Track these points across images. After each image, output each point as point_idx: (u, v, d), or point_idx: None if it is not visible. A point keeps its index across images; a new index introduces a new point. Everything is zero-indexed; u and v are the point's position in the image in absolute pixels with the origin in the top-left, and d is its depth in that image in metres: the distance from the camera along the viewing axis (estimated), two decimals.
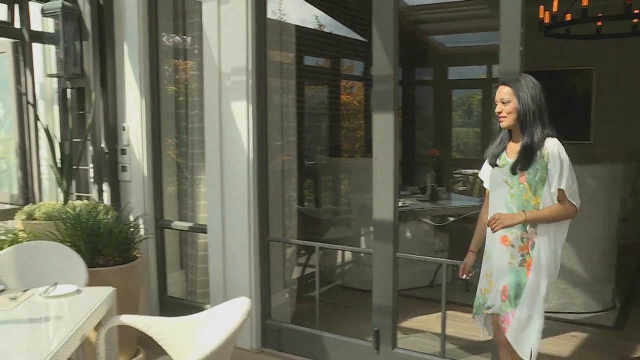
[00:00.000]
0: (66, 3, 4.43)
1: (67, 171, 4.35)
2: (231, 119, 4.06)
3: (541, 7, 6.07)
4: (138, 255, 4.12)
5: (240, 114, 4.02)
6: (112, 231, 3.87)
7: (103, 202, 4.58)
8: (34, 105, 4.65)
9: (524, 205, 2.76)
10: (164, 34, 4.72)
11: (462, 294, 5.00)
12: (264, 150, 4.12)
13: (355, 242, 5.67)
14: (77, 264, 3.47)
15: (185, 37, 4.81)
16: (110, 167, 4.67)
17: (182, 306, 4.56)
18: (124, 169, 4.68)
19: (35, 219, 4.13)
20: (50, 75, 4.82)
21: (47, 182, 4.99)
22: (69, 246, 3.65)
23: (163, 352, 2.72)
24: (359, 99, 9.20)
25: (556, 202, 2.71)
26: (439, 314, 3.71)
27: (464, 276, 3.09)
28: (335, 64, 8.39)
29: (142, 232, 4.34)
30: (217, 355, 2.12)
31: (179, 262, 5.11)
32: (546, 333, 4.30)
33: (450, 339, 4.10)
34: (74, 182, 4.61)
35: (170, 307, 4.65)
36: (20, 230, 4.06)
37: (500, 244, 2.84)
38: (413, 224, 5.50)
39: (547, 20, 6.02)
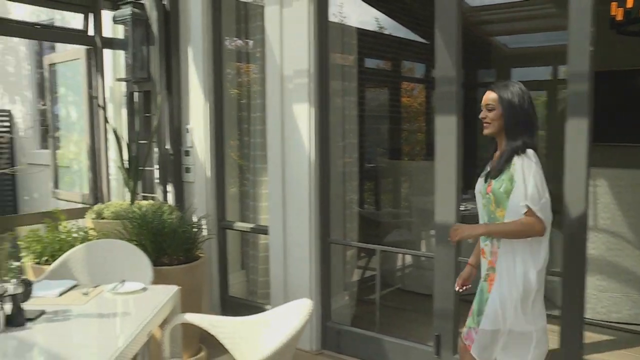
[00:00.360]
0: (135, 10, 4.57)
1: (134, 172, 4.49)
2: (293, 121, 4.09)
3: (613, 3, 5.86)
4: (201, 255, 4.20)
5: (302, 116, 4.05)
6: (176, 231, 3.96)
7: (167, 203, 4.69)
8: (104, 108, 4.81)
9: (490, 217, 2.67)
10: (227, 37, 4.80)
11: None
12: (326, 152, 4.13)
13: (415, 245, 5.61)
14: (143, 262, 3.56)
15: (247, 40, 4.89)
16: (175, 168, 4.79)
17: (243, 306, 4.62)
18: (187, 170, 4.78)
19: (104, 218, 4.27)
20: (119, 80, 4.98)
21: (115, 182, 5.16)
22: (135, 245, 3.75)
23: (224, 351, 2.76)
24: (419, 101, 9.12)
25: (522, 216, 2.53)
26: None
27: (458, 289, 2.95)
28: (395, 66, 8.34)
29: (205, 232, 4.43)
30: (279, 356, 2.14)
31: (240, 262, 5.18)
32: (618, 345, 4.15)
33: None
34: (140, 183, 4.74)
35: (232, 306, 4.72)
36: (91, 229, 4.21)
37: (482, 257, 2.76)
38: None
39: (620, 17, 5.80)
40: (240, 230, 4.83)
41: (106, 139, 4.89)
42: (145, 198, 4.85)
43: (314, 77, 4.00)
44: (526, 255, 2.59)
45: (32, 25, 5.28)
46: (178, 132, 4.77)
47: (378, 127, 8.21)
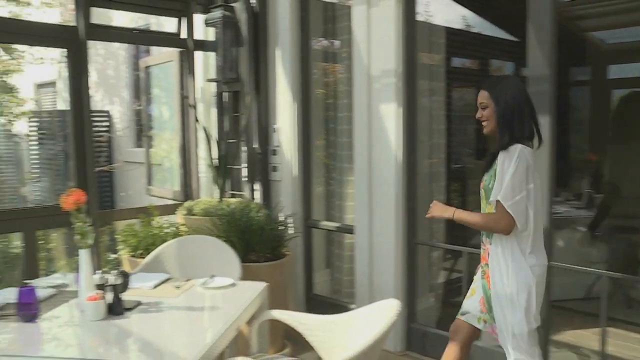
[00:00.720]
0: (226, 13, 4.70)
1: (223, 170, 4.61)
2: (380, 121, 4.08)
3: None
4: (287, 252, 4.26)
5: (389, 116, 4.02)
6: (263, 229, 4.03)
7: (255, 201, 4.79)
8: (195, 108, 4.97)
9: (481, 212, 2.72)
10: (313, 38, 4.84)
11: (623, 310, 4.63)
12: (413, 152, 4.09)
13: None
14: (231, 258, 3.64)
15: (334, 40, 4.91)
16: (262, 167, 4.88)
17: (327, 304, 4.65)
18: (274, 169, 4.86)
19: (194, 215, 4.41)
20: (210, 80, 5.13)
21: (204, 180, 5.31)
22: (224, 241, 3.86)
23: (308, 348, 2.79)
24: None
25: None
26: (596, 329, 3.47)
27: None
28: (483, 65, 8.15)
29: (291, 230, 4.49)
30: (365, 355, 2.13)
31: (325, 260, 5.21)
32: None
33: (611, 358, 3.80)
34: (228, 181, 4.87)
35: (316, 304, 4.77)
36: (182, 225, 4.36)
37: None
38: (567, 232, 5.20)
39: None
40: (326, 229, 4.86)
41: (196, 138, 5.05)
42: (233, 196, 4.98)
43: (401, 77, 3.97)
44: (515, 252, 2.59)
45: (131, 30, 5.53)
46: (266, 132, 4.86)
47: (465, 127, 8.05)
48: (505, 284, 2.60)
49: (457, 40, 6.97)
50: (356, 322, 2.59)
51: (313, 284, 4.93)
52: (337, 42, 4.84)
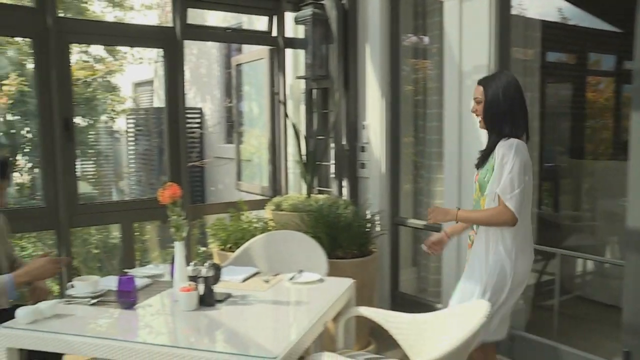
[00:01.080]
0: (316, 11, 4.74)
1: (311, 166, 4.66)
2: (471, 118, 3.98)
3: None
4: (374, 250, 4.25)
5: None
6: (351, 225, 4.04)
7: (342, 197, 4.81)
8: (285, 105, 5.05)
9: (474, 205, 2.77)
10: (403, 34, 4.80)
11: None
12: None
13: (597, 251, 5.22)
14: (318, 254, 3.67)
15: (424, 36, 4.85)
16: (350, 163, 4.89)
17: (413, 303, 4.61)
18: (362, 166, 4.86)
19: (282, 210, 4.48)
20: (299, 77, 5.19)
21: (292, 176, 5.39)
22: (311, 237, 3.89)
23: (393, 346, 2.77)
24: (606, 96, 8.45)
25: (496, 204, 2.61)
26: None
27: (425, 249, 3.14)
28: (580, 59, 7.80)
29: (378, 227, 4.47)
30: (454, 356, 2.10)
31: (412, 259, 5.17)
32: None
33: None
34: (316, 177, 4.91)
35: (401, 302, 4.73)
36: (270, 220, 4.43)
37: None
38: None
39: None
40: (413, 227, 4.82)
41: (285, 134, 5.13)
42: (320, 192, 5.02)
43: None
44: (499, 245, 2.68)
45: (224, 29, 5.69)
46: (354, 128, 4.86)
47: (559, 124, 7.74)
48: (484, 273, 2.71)
49: (553, 33, 6.69)
50: (444, 322, 2.55)
51: (399, 282, 4.89)
52: (427, 38, 4.78)
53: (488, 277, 2.70)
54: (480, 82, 2.80)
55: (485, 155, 2.74)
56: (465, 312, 2.48)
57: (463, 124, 4.04)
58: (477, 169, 2.81)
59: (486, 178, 2.70)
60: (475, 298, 2.69)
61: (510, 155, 2.58)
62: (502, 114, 2.68)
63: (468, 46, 3.97)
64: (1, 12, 4.02)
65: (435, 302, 4.49)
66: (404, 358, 2.70)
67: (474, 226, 2.82)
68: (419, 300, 4.72)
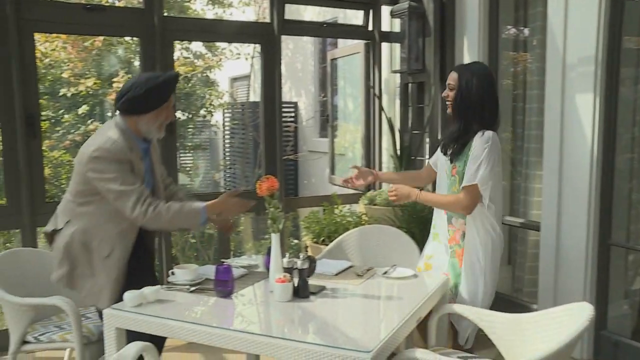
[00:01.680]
0: (412, 3, 4.68)
1: (406, 161, 4.62)
2: (574, 112, 3.82)
3: None
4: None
5: (585, 107, 3.75)
6: None
7: None
8: (380, 98, 5.03)
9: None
10: (503, 26, 4.66)
11: None
12: (612, 147, 3.76)
13: None
14: (411, 249, 3.64)
15: (524, 28, 4.69)
16: None
17: (507, 302, 4.48)
18: None
19: (375, 205, 4.47)
20: (395, 72, 5.16)
21: (386, 170, 5.37)
22: (404, 232, 3.87)
23: (485, 345, 2.71)
24: None
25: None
26: None
27: (347, 180, 3.22)
28: None
29: None
30: (554, 359, 2.02)
31: (507, 257, 5.02)
32: None
33: None
34: None
35: (495, 301, 4.59)
36: (363, 214, 4.44)
37: (436, 240, 3.12)
38: None
39: None
40: (509, 225, 4.68)
41: (380, 129, 5.11)
42: (414, 187, 4.96)
43: (601, 64, 3.67)
44: (490, 232, 2.92)
45: (321, 24, 5.74)
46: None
47: None
48: (481, 260, 2.93)
49: None
50: (543, 324, 2.46)
51: None
52: (527, 30, 4.62)
53: (485, 257, 2.96)
54: (455, 69, 2.88)
55: (460, 147, 2.84)
56: (566, 313, 2.39)
57: (565, 119, 3.87)
58: (453, 161, 2.89)
59: (465, 169, 2.82)
60: (482, 282, 2.97)
61: (486, 147, 2.74)
62: (472, 103, 2.79)
63: (573, 37, 3.79)
64: (114, 14, 4.26)
65: (531, 302, 4.34)
66: (497, 358, 2.63)
67: (461, 217, 2.95)
68: (513, 300, 4.59)
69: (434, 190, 3.24)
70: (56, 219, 2.96)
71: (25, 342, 3.02)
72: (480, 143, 2.75)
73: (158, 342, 2.90)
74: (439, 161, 3.08)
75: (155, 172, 3.07)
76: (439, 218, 3.10)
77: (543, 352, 2.02)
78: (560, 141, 3.90)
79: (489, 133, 2.76)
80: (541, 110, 4.17)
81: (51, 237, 2.96)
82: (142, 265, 3.00)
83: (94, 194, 2.81)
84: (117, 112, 2.90)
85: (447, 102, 2.91)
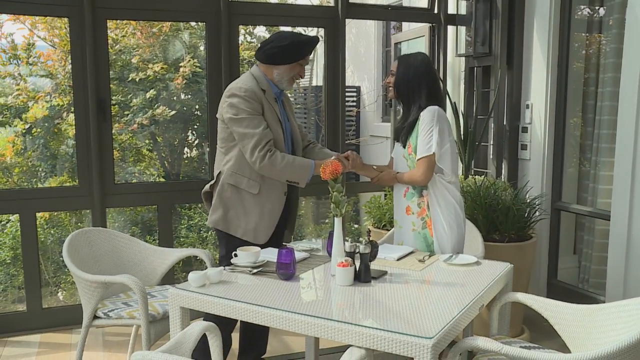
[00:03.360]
0: None
1: (470, 146, 4.54)
2: None
3: None
4: (533, 235, 4.07)
5: None
6: (510, 208, 3.90)
7: (501, 179, 4.65)
8: (444, 82, 4.95)
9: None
10: (576, 7, 4.49)
11: None
12: None
13: None
14: (475, 236, 3.60)
15: (600, 7, 4.50)
16: (510, 144, 4.71)
17: (572, 293, 4.37)
18: (523, 147, 4.66)
19: None
20: (460, 55, 5.06)
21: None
22: (467, 218, 3.81)
23: (547, 336, 2.65)
24: None
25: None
26: None
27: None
28: None
29: (537, 212, 4.27)
30: (624, 354, 1.95)
31: (572, 246, 4.89)
32: None
33: None
34: (474, 158, 4.78)
35: (558, 291, 4.50)
36: None
37: (405, 214, 3.16)
38: None
39: None
40: (576, 213, 4.55)
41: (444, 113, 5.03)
42: (477, 173, 4.88)
43: None
44: (452, 204, 3.06)
45: (386, 7, 5.68)
46: (516, 108, 4.66)
47: None
48: (447, 232, 3.05)
49: None
50: (612, 316, 2.39)
51: (557, 270, 4.65)
52: (603, 10, 4.43)
53: (452, 232, 3.06)
54: (397, 58, 3.14)
55: (410, 127, 3.03)
56: (637, 307, 2.30)
57: None
58: (406, 142, 3.06)
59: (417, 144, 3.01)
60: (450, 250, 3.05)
61: (432, 120, 2.95)
62: (412, 85, 3.02)
63: None
64: (181, 0, 4.33)
65: (598, 294, 4.22)
66: (560, 348, 2.57)
67: (422, 198, 3.10)
68: (579, 290, 4.47)
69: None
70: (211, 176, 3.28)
71: (96, 317, 3.16)
72: (427, 117, 2.96)
73: (229, 324, 3.02)
74: (395, 150, 3.27)
75: (292, 120, 3.32)
76: (397, 204, 3.25)
77: (614, 344, 1.95)
78: (635, 127, 3.72)
79: (433, 107, 2.99)
80: (615, 95, 4.00)
81: (209, 195, 3.25)
82: (290, 209, 3.32)
83: (235, 139, 3.08)
84: (256, 63, 3.18)
85: (388, 87, 3.15)
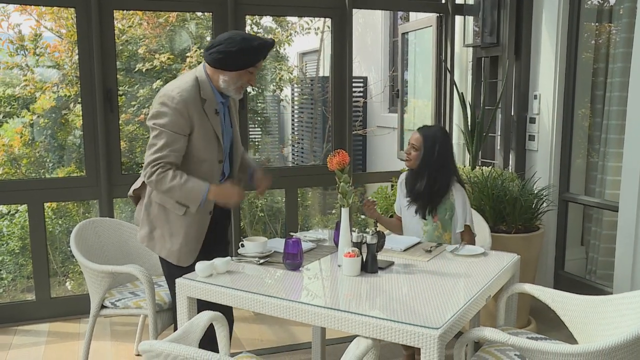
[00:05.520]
0: None
1: (477, 137, 4.52)
2: None
3: None
4: (540, 226, 4.06)
5: None
6: (517, 200, 3.89)
7: (508, 170, 4.63)
8: (452, 73, 4.92)
9: (436, 238, 3.27)
10: None
11: None
12: None
13: None
14: (481, 227, 3.59)
15: None
16: (518, 135, 4.69)
17: (579, 284, 4.36)
18: (531, 138, 4.63)
19: None
20: (467, 46, 5.03)
21: (456, 147, 5.27)
22: (474, 209, 3.80)
23: (554, 327, 2.64)
24: None
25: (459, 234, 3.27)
26: None
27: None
28: None
29: (545, 203, 4.26)
30: (633, 346, 1.95)
31: (580, 238, 4.87)
32: None
33: None
34: (481, 148, 4.76)
35: (565, 283, 4.49)
36: None
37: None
38: None
39: None
40: (584, 204, 4.53)
41: (451, 104, 5.01)
42: (484, 164, 4.86)
43: None
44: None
45: None
46: (524, 99, 4.64)
47: None
48: None
49: None
50: (620, 307, 2.38)
51: (564, 262, 4.64)
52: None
53: None
54: (420, 132, 3.25)
55: (437, 201, 3.24)
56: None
57: None
58: (431, 212, 3.26)
59: (447, 216, 3.26)
60: None
61: (464, 196, 3.26)
62: (444, 164, 3.21)
63: None
64: None
65: (605, 285, 4.20)
66: (567, 340, 2.56)
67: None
68: (586, 282, 4.45)
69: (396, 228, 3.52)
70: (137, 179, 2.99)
71: (103, 307, 3.18)
72: (458, 194, 3.25)
73: (226, 312, 2.98)
74: (402, 210, 3.41)
75: (235, 130, 3.02)
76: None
77: (622, 336, 1.95)
78: None
79: (460, 186, 3.28)
80: (625, 85, 3.97)
81: (136, 198, 3.00)
82: (219, 228, 3.01)
83: None
84: (203, 62, 2.86)
85: (407, 160, 3.27)
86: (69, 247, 3.29)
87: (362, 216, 7.32)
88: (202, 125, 2.78)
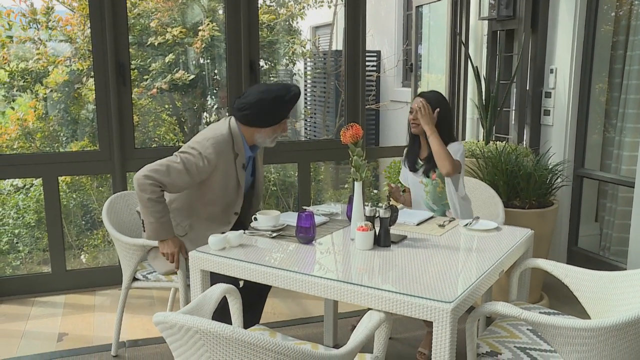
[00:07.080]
0: None
1: (491, 112, 4.48)
2: None
3: None
4: (554, 201, 4.03)
5: None
6: (531, 175, 3.86)
7: (523, 145, 4.59)
8: (466, 46, 4.86)
9: (439, 197, 3.35)
10: None
11: None
12: None
13: None
14: (495, 202, 3.58)
15: None
16: (533, 110, 4.63)
17: (592, 260, 4.34)
18: (546, 112, 4.58)
19: None
20: (483, 19, 4.95)
21: (470, 121, 5.23)
22: (488, 184, 3.79)
23: (566, 302, 2.63)
24: None
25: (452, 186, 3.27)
26: None
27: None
28: None
29: (559, 179, 4.22)
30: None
31: (594, 214, 4.84)
32: None
33: None
34: (495, 123, 4.72)
35: (579, 258, 4.47)
36: None
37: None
38: None
39: None
40: (599, 180, 4.49)
41: (465, 77, 4.96)
42: (498, 139, 4.82)
43: None
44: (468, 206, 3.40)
45: None
46: (540, 73, 4.57)
47: None
48: None
49: None
50: (633, 283, 2.36)
51: (578, 237, 4.61)
52: None
53: None
54: (421, 96, 3.30)
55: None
56: None
57: None
58: (429, 171, 3.33)
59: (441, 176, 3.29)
60: None
61: (460, 149, 3.27)
62: (444, 125, 3.26)
63: None
64: None
65: (619, 262, 4.18)
66: (580, 315, 2.56)
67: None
68: (600, 258, 4.43)
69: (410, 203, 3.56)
70: None
71: (135, 279, 3.21)
72: (454, 147, 3.24)
73: (262, 292, 3.12)
74: (408, 178, 3.49)
75: (258, 177, 3.18)
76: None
77: (635, 311, 1.93)
78: None
79: (459, 142, 3.33)
80: None
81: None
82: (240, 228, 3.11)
83: (185, 186, 2.95)
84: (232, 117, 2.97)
85: (413, 124, 3.29)
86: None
87: (375, 190, 7.32)
88: (227, 174, 2.93)
